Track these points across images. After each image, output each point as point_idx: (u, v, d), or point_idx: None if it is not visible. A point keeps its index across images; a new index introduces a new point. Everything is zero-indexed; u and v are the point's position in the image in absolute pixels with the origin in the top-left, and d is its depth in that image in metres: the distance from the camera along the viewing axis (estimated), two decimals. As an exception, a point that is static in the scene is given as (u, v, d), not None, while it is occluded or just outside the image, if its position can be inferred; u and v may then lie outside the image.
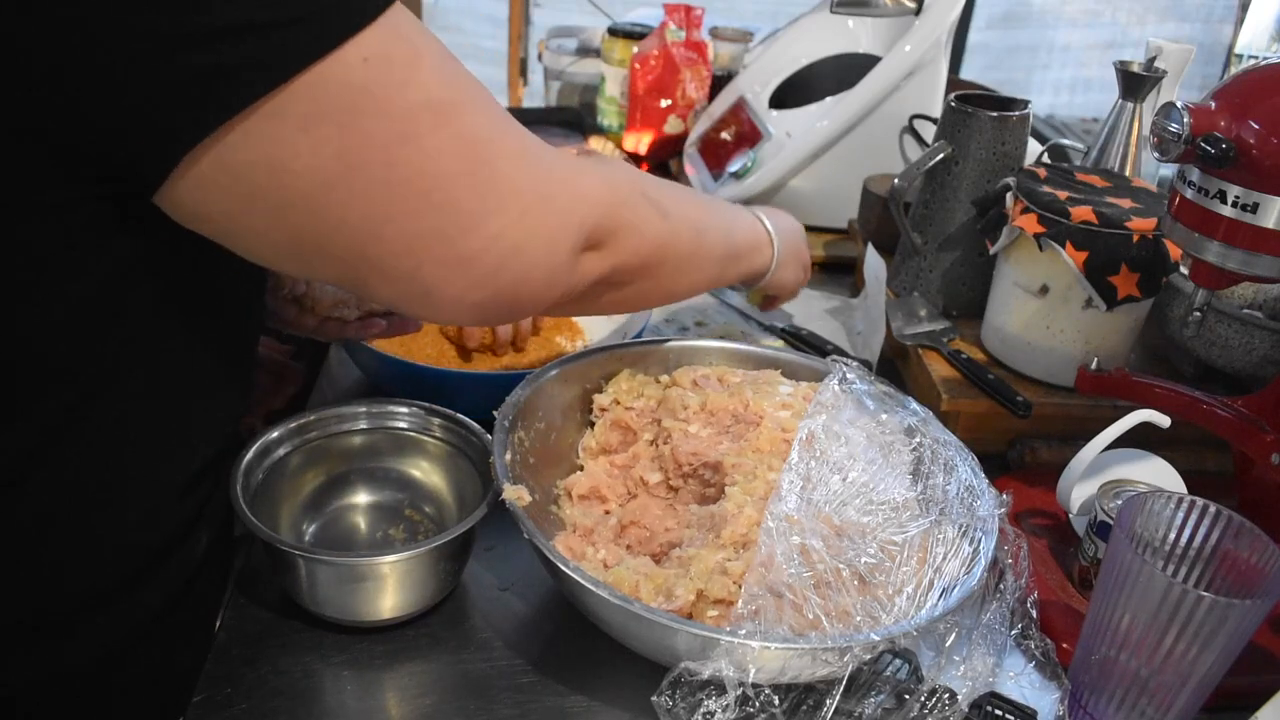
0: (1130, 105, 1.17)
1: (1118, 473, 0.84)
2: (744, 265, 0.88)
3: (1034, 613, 0.74)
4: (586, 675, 0.72)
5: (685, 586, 0.67)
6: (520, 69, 3.19)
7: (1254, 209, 0.70)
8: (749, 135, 1.48)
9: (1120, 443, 0.80)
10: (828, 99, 1.42)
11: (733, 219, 0.87)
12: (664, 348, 0.91)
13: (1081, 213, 0.92)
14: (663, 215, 0.70)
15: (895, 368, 1.12)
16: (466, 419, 0.82)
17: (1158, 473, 0.84)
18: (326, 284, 0.86)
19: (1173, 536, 0.69)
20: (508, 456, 0.75)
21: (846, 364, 0.85)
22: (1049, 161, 1.25)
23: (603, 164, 0.70)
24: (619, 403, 0.85)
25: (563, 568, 0.65)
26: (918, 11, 1.38)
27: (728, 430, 0.81)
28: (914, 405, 0.84)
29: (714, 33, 1.79)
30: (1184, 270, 0.94)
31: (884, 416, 0.82)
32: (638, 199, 0.69)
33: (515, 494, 0.71)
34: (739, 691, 0.61)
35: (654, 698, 0.62)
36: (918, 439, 0.81)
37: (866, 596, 0.68)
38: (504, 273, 0.59)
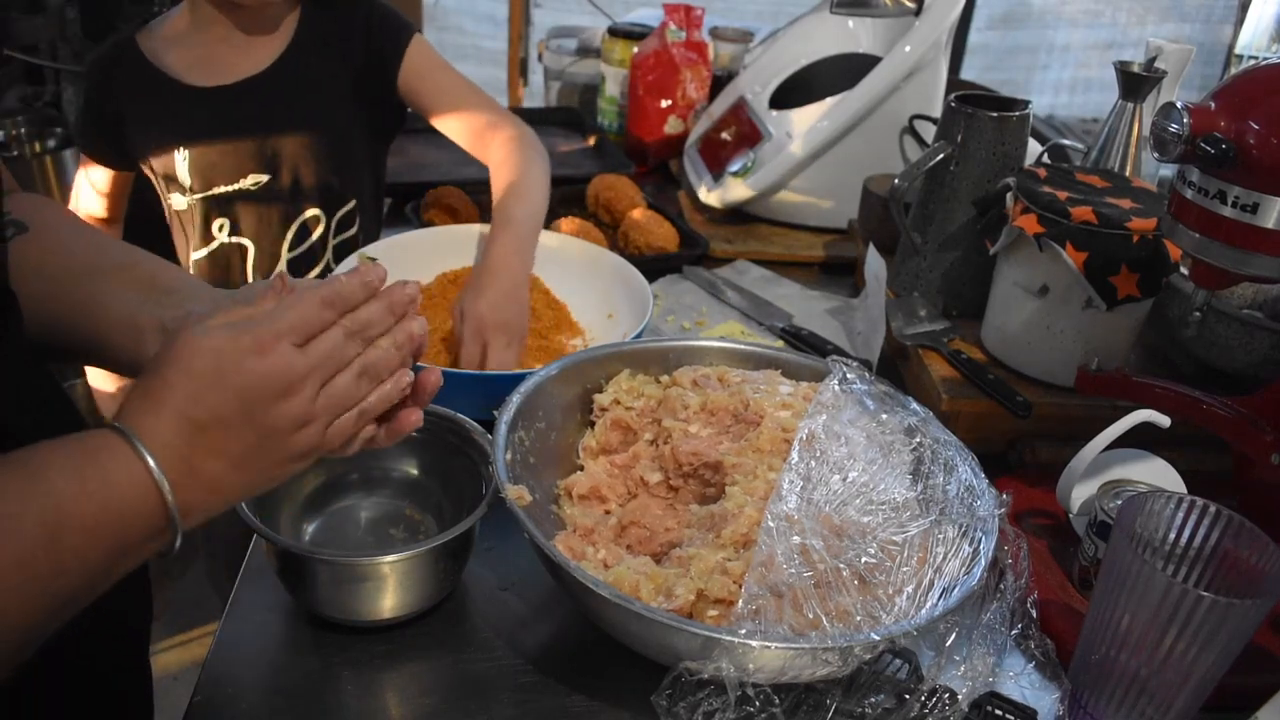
0: (1130, 105, 1.17)
1: (1118, 473, 0.84)
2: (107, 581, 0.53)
3: (1034, 612, 0.74)
4: (586, 675, 0.72)
5: (685, 586, 0.67)
6: (520, 69, 3.19)
7: (1254, 209, 0.70)
8: (749, 135, 1.49)
9: (1120, 443, 0.80)
10: (828, 99, 1.42)
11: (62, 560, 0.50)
12: (664, 347, 0.91)
13: (1081, 213, 0.92)
14: None
15: (895, 368, 1.12)
16: (466, 419, 0.82)
17: (1158, 473, 0.84)
18: None
19: (1173, 536, 0.69)
20: (508, 456, 0.75)
21: (846, 364, 0.85)
22: (1049, 161, 1.25)
23: None
24: (619, 403, 0.85)
25: (564, 567, 0.65)
26: (918, 12, 1.38)
27: (728, 430, 0.81)
28: (914, 405, 0.84)
29: (714, 33, 1.79)
30: (1184, 270, 0.94)
31: (884, 416, 0.82)
32: None
33: (516, 494, 0.71)
34: (739, 691, 0.61)
35: (654, 697, 0.62)
36: (918, 439, 0.81)
37: (867, 596, 0.68)
38: None
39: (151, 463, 0.52)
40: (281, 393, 0.55)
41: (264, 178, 1.24)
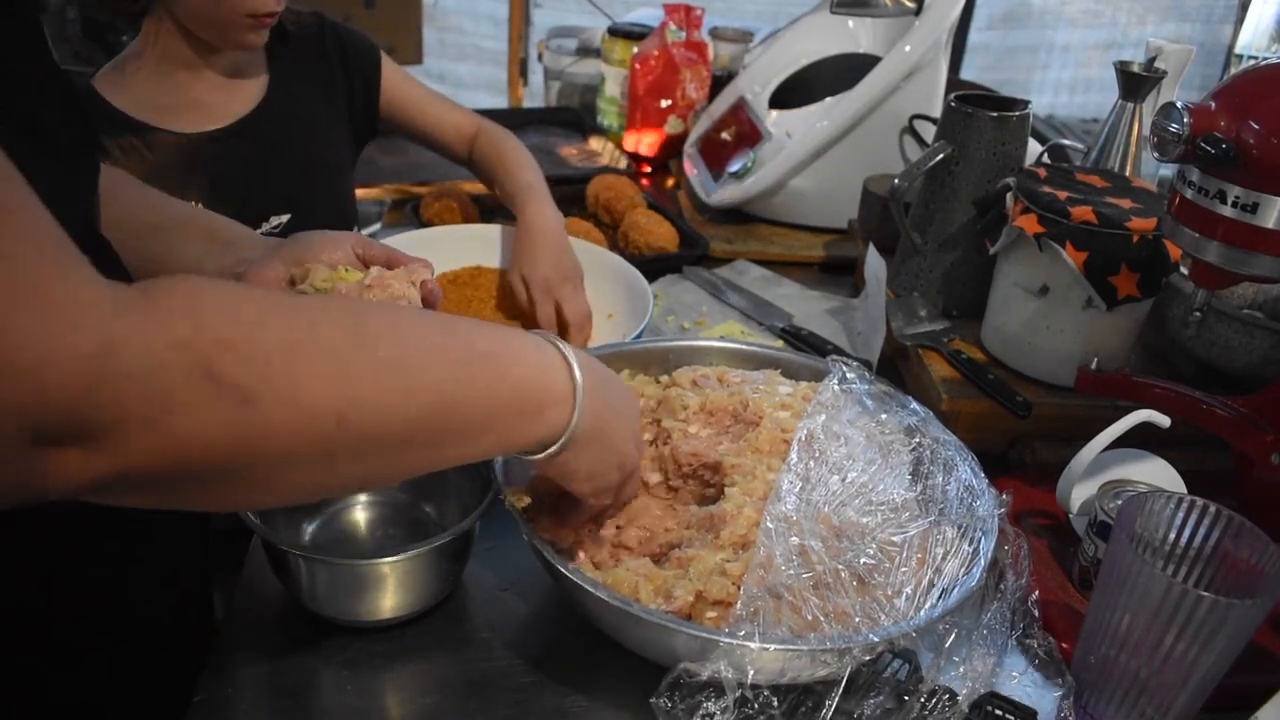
0: (1130, 105, 1.17)
1: (1118, 473, 0.84)
2: (497, 437, 0.57)
3: (1035, 612, 0.74)
4: (586, 675, 0.72)
5: (684, 588, 0.67)
6: (520, 69, 3.19)
7: (1254, 209, 0.70)
8: (749, 135, 1.48)
9: (1120, 443, 0.80)
10: (828, 99, 1.42)
11: (485, 368, 0.56)
12: (664, 348, 0.91)
13: (1081, 213, 0.92)
14: (242, 399, 0.44)
15: (895, 368, 1.12)
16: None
17: (1158, 473, 0.84)
18: None
19: (1173, 536, 0.69)
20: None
21: (846, 363, 0.85)
22: (1049, 161, 1.25)
23: (160, 309, 0.42)
24: (619, 403, 0.85)
25: (562, 570, 0.65)
26: (918, 11, 1.38)
27: (727, 430, 0.81)
28: (914, 405, 0.84)
29: (714, 33, 1.79)
30: (1184, 270, 0.94)
31: (883, 416, 0.82)
32: (179, 375, 0.42)
33: (515, 496, 0.71)
34: (738, 693, 0.61)
35: (653, 699, 0.62)
36: (917, 439, 0.81)
37: (865, 597, 0.68)
38: None
39: (558, 342, 0.61)
40: (637, 431, 0.69)
41: (284, 218, 1.19)
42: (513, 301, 1.17)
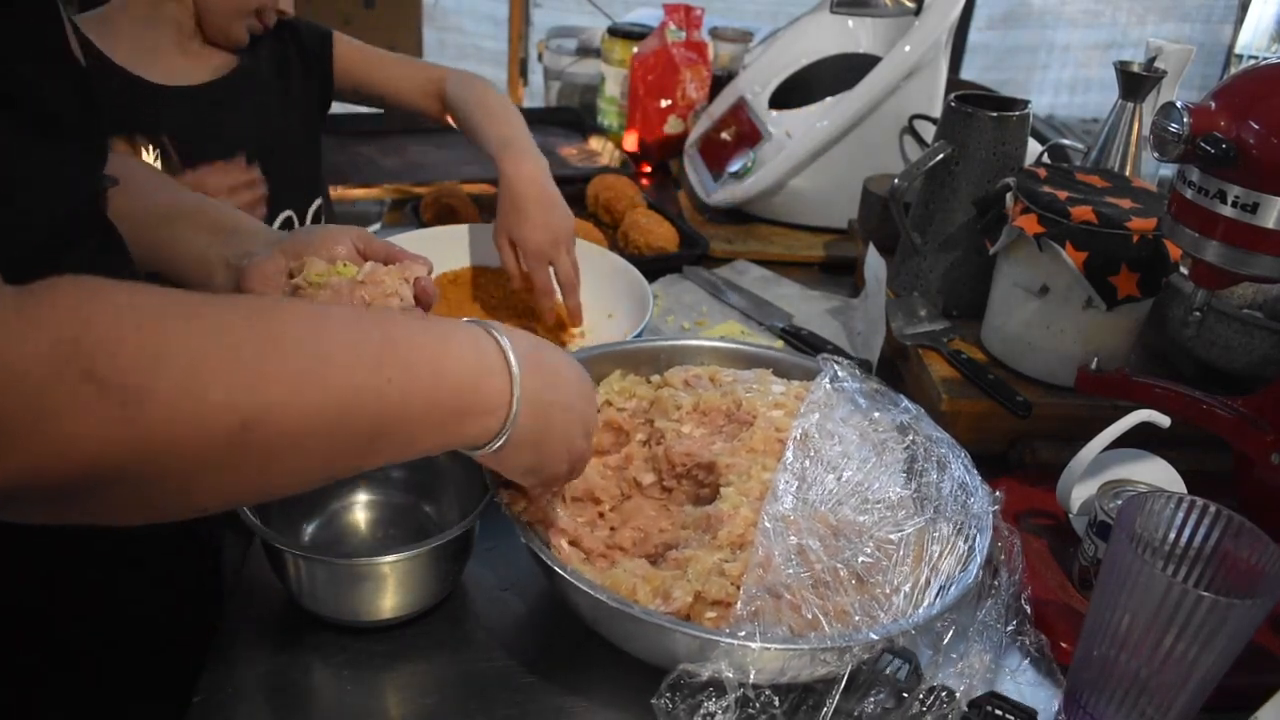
0: (1130, 105, 1.17)
1: (1118, 473, 0.84)
2: (430, 440, 0.55)
3: (1028, 609, 0.74)
4: (586, 675, 0.72)
5: (683, 588, 0.67)
6: (520, 69, 3.19)
7: (1254, 209, 0.70)
8: (749, 135, 1.48)
9: (1120, 443, 0.80)
10: (828, 99, 1.42)
11: (415, 371, 0.53)
12: (655, 348, 0.91)
13: (1081, 213, 0.92)
14: (128, 401, 0.41)
15: (895, 368, 1.11)
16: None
17: (1158, 473, 0.84)
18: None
19: (1173, 536, 0.69)
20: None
21: (838, 361, 0.85)
22: (1049, 161, 1.25)
23: (45, 309, 0.40)
24: (611, 404, 0.85)
25: (560, 571, 0.65)
26: (918, 11, 1.38)
27: (721, 430, 0.81)
28: (905, 403, 0.84)
29: (714, 33, 1.79)
30: (1184, 270, 0.94)
31: (876, 414, 0.82)
32: (57, 376, 0.39)
33: (510, 499, 0.71)
34: (739, 693, 0.61)
35: (654, 699, 0.62)
36: (910, 437, 0.81)
37: (864, 596, 0.68)
38: None
39: (503, 340, 0.58)
40: (592, 421, 0.67)
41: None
42: (514, 302, 1.17)
